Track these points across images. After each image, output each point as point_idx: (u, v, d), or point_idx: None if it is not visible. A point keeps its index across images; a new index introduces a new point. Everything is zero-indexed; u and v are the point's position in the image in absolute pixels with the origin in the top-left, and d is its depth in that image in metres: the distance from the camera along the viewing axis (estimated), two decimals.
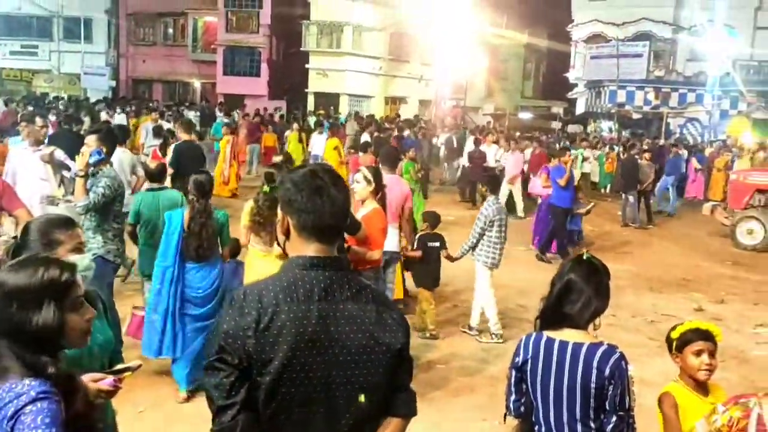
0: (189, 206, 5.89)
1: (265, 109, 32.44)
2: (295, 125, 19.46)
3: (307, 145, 19.34)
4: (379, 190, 6.08)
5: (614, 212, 16.86)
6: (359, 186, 5.99)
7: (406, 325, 2.24)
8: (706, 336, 3.38)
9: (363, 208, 5.98)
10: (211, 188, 6.10)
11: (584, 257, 2.97)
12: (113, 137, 6.74)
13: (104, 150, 6.18)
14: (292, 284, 2.10)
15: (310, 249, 2.15)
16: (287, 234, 2.20)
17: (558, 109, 42.46)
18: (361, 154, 13.13)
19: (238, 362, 2.04)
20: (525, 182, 16.49)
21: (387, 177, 7.22)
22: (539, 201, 12.56)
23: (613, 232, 15.08)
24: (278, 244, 2.27)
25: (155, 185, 7.05)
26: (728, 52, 35.49)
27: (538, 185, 12.80)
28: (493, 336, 7.74)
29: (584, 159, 19.66)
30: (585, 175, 19.40)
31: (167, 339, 5.77)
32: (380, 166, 8.29)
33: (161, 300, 5.79)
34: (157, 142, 13.23)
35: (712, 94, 36.37)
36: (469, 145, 18.22)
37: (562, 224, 11.91)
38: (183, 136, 10.56)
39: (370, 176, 6.02)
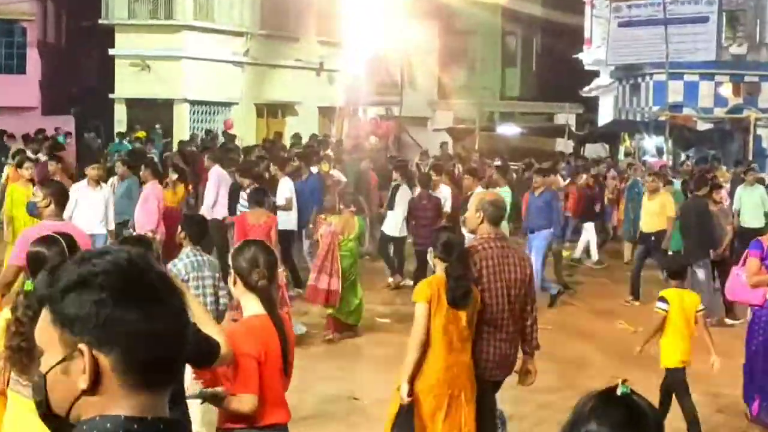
0: None
1: (44, 132, 21.34)
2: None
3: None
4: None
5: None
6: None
7: None
8: None
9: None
10: None
11: (619, 392, 2.10)
12: None
13: None
14: None
15: (130, 403, 1.44)
16: (94, 381, 1.44)
17: (567, 116, 30.48)
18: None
19: None
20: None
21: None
22: (748, 318, 9.15)
23: None
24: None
25: None
26: None
27: (741, 286, 8.37)
28: None
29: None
30: None
31: None
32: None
33: None
34: None
35: None
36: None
37: None
38: None
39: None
